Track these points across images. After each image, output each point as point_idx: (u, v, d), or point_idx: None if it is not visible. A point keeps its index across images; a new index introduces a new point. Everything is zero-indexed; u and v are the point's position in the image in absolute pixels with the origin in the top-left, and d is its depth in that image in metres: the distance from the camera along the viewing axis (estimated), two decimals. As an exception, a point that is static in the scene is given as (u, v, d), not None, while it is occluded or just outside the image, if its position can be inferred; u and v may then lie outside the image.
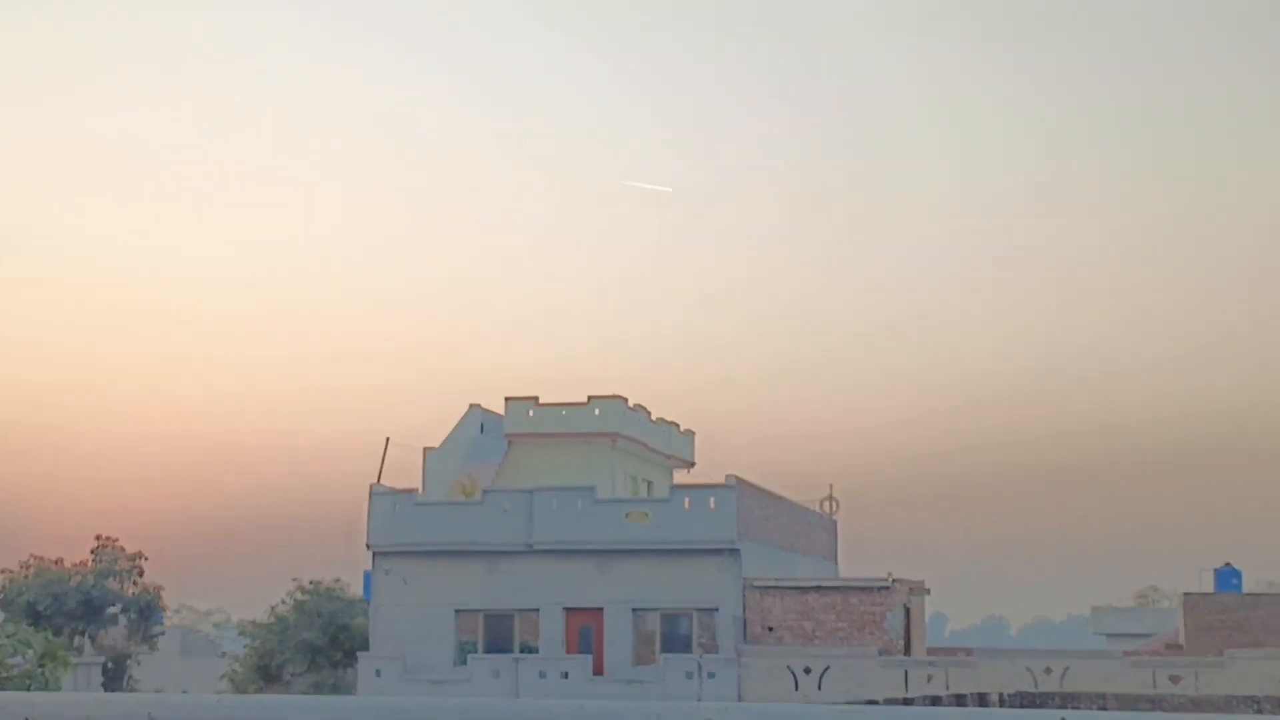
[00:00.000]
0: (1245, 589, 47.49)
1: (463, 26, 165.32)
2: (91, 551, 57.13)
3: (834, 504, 50.46)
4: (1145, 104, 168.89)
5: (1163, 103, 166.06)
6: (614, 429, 48.13)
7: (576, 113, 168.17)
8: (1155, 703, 30.05)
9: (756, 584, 39.66)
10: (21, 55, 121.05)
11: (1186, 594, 46.99)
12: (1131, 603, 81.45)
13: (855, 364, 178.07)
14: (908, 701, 32.56)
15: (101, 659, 50.15)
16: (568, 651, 39.84)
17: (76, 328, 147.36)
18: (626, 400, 49.18)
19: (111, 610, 56.27)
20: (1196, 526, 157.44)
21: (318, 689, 47.06)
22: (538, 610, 40.30)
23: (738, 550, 39.48)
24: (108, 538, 57.79)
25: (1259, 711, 28.99)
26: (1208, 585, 47.57)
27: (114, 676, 53.04)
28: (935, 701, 31.68)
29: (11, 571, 55.97)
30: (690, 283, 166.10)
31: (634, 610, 39.92)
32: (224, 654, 63.23)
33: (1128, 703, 29.38)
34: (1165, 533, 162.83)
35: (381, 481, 42.75)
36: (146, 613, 57.38)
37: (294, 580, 51.15)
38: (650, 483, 49.80)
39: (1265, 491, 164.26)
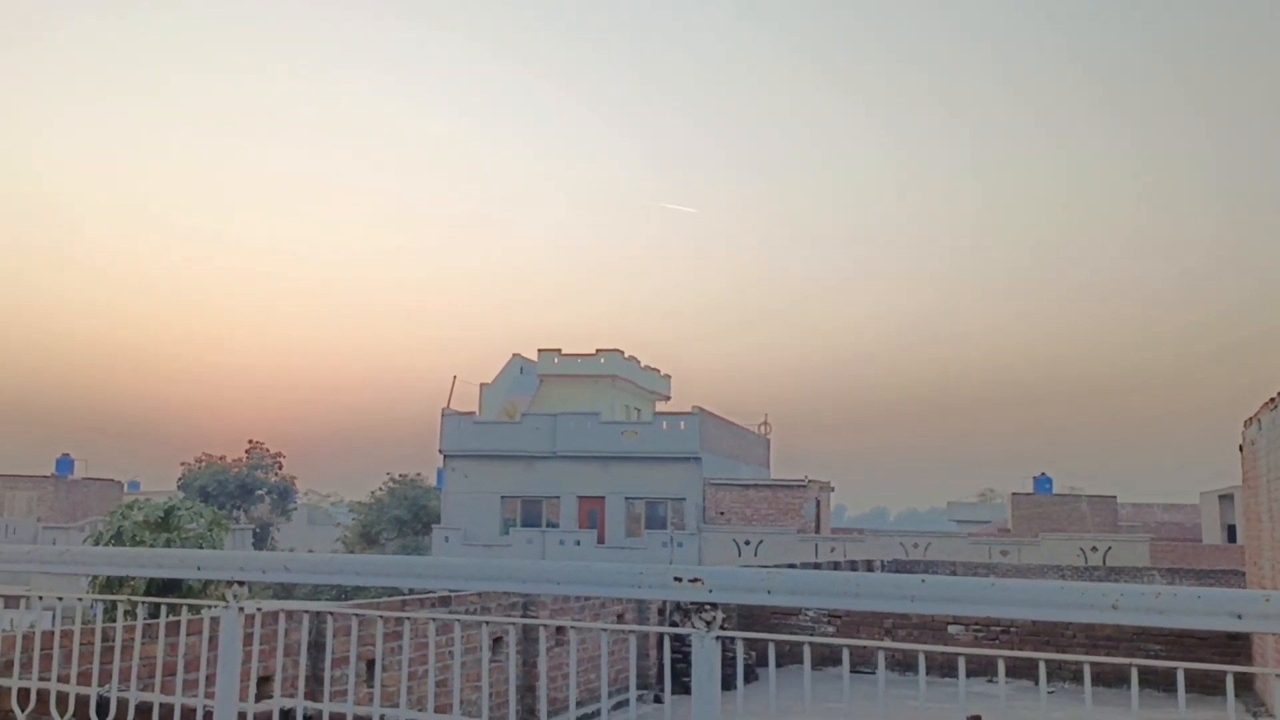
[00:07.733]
0: (1055, 491, 47.84)
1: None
2: (245, 450, 57.20)
3: (768, 427, 50.57)
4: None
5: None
6: (614, 372, 48.07)
7: (611, 136, 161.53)
8: (990, 569, 30.32)
9: (712, 482, 39.79)
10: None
11: (1014, 493, 47.35)
12: (975, 499, 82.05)
13: (788, 323, 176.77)
14: (817, 565, 32.92)
15: (252, 527, 50.29)
16: (580, 526, 39.99)
17: (233, 300, 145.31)
18: (624, 352, 49.12)
19: (259, 492, 56.42)
20: (1022, 445, 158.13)
21: (404, 550, 47.31)
22: (559, 498, 40.43)
23: (699, 458, 39.56)
24: (257, 441, 57.92)
25: (1062, 576, 29.23)
26: (1028, 487, 47.90)
27: (260, 539, 53.19)
28: (836, 566, 32.01)
29: (189, 464, 56.11)
30: (669, 265, 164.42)
31: (626, 499, 40.03)
32: (338, 524, 63.48)
33: (970, 569, 29.67)
34: (1001, 449, 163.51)
35: (450, 407, 42.76)
36: (284, 495, 57.53)
37: (388, 473, 51.39)
38: (639, 410, 49.83)
39: (1071, 421, 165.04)
